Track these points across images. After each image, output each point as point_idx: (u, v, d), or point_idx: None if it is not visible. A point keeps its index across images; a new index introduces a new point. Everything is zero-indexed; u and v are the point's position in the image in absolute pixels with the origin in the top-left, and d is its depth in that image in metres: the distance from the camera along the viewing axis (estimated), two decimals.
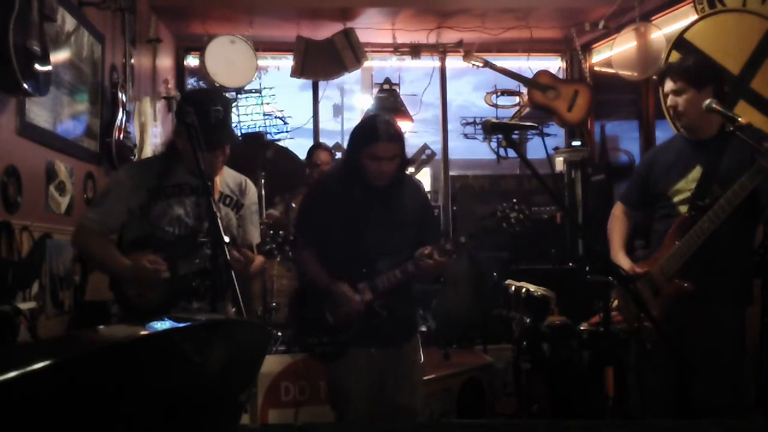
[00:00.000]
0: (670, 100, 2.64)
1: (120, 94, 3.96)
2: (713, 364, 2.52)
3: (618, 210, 2.92)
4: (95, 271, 3.31)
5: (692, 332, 2.54)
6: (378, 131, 2.54)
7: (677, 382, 2.61)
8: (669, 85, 2.64)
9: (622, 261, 2.75)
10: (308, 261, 2.71)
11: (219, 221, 2.06)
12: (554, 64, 6.25)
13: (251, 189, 2.64)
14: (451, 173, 6.18)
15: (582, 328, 3.51)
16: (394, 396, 2.66)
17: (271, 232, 2.42)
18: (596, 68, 5.83)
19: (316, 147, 5.02)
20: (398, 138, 2.58)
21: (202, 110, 2.26)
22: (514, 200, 2.63)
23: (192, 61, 5.97)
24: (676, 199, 2.64)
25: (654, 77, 4.70)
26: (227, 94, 5.82)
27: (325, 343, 2.60)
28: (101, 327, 0.86)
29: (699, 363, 2.48)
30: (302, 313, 2.77)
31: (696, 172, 2.61)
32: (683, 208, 2.61)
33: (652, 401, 2.68)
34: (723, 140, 2.57)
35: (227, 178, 2.56)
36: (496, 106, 5.99)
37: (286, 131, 6.01)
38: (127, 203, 2.40)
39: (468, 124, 6.16)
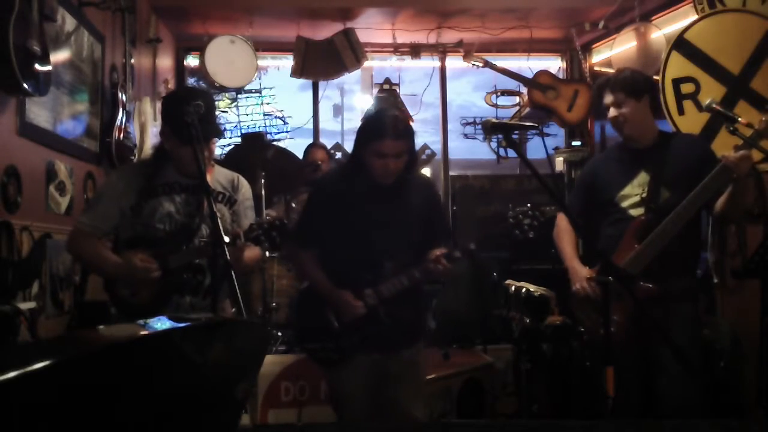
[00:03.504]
0: (612, 111, 2.75)
1: (120, 94, 3.96)
2: (679, 361, 2.55)
3: (562, 220, 2.99)
4: (92, 273, 3.32)
5: (656, 332, 2.58)
6: (384, 127, 2.42)
7: (644, 383, 2.68)
8: (609, 98, 2.75)
9: (578, 268, 2.82)
10: (308, 265, 2.63)
11: (219, 221, 2.07)
12: (554, 64, 6.24)
13: (244, 185, 2.62)
14: (451, 173, 6.18)
15: (584, 329, 3.51)
16: (395, 402, 2.59)
17: (257, 219, 2.41)
18: (596, 68, 5.83)
19: (312, 146, 5.04)
20: (406, 135, 2.46)
21: (184, 107, 2.25)
22: (528, 204, 2.53)
23: (192, 61, 5.97)
24: (624, 204, 2.74)
25: (655, 77, 4.70)
26: (227, 94, 5.83)
27: (329, 348, 2.54)
28: (101, 327, 0.86)
29: (665, 361, 2.57)
30: (305, 317, 2.69)
31: (642, 177, 2.72)
32: (634, 212, 2.71)
33: (621, 403, 2.70)
34: (662, 146, 2.73)
35: (218, 176, 2.56)
36: (496, 106, 5.98)
37: (286, 131, 6.01)
38: (118, 205, 2.42)
39: (468, 124, 6.15)
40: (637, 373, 2.67)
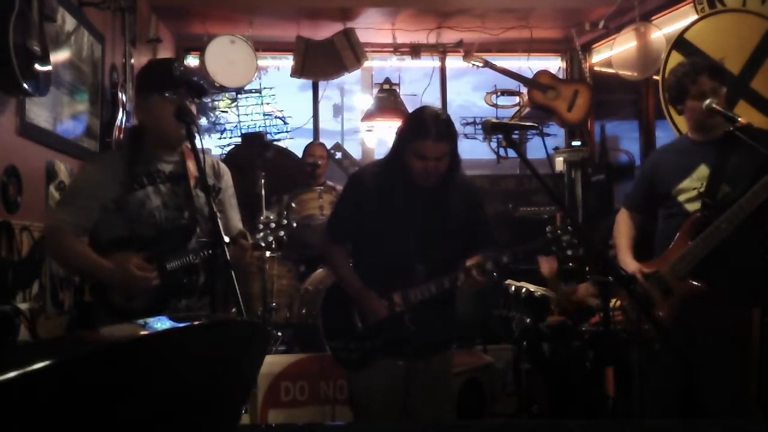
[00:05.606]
0: (709, 99, 2.56)
1: (120, 94, 3.96)
2: (722, 365, 2.51)
3: (623, 215, 2.91)
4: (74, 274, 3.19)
5: (702, 333, 2.52)
6: (425, 127, 2.27)
7: (684, 384, 2.60)
8: (708, 84, 2.58)
9: (629, 263, 2.72)
10: (338, 261, 2.53)
11: (218, 221, 2.03)
12: (554, 64, 6.25)
13: (226, 171, 2.50)
14: None
15: (584, 329, 3.51)
16: (419, 410, 2.49)
17: (263, 218, 2.38)
18: (596, 68, 5.83)
19: (312, 144, 5.07)
20: (448, 136, 2.30)
21: (163, 69, 2.23)
22: (568, 220, 2.41)
23: (192, 61, 5.97)
24: (681, 198, 2.64)
25: (655, 77, 4.70)
26: (227, 94, 5.84)
27: (351, 349, 2.46)
28: (101, 327, 0.86)
29: (708, 363, 2.48)
30: (331, 314, 2.59)
31: (701, 171, 2.60)
32: (690, 207, 2.60)
33: (657, 403, 2.67)
34: (729, 140, 2.57)
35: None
36: (496, 106, 5.98)
37: (286, 131, 6.01)
38: (99, 199, 2.20)
39: (468, 124, 6.15)
40: (676, 374, 2.59)
